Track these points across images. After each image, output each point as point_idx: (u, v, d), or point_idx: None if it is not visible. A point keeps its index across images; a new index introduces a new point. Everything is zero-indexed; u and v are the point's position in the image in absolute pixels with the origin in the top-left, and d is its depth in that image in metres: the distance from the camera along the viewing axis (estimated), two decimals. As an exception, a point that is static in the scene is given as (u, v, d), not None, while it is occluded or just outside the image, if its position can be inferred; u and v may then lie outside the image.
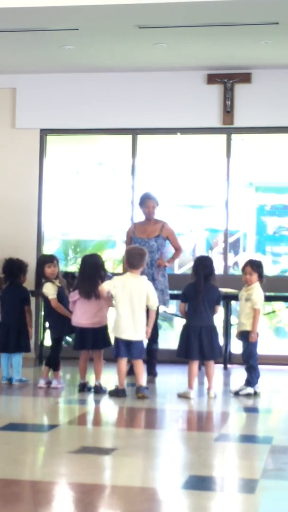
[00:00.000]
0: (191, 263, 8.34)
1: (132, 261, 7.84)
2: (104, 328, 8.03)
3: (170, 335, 10.96)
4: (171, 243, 9.09)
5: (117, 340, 7.80)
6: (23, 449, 5.90)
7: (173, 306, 10.45)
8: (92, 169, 11.14)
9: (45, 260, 8.32)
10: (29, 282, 8.82)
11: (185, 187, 11.03)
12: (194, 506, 4.64)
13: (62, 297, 8.20)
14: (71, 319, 8.03)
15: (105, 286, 7.78)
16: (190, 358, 7.87)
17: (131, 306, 7.74)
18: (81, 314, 7.98)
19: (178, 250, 9.11)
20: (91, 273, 7.99)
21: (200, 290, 7.83)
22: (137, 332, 7.78)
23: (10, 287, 8.59)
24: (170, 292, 9.12)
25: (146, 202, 9.03)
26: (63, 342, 8.52)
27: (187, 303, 7.95)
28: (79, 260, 8.93)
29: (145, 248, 8.22)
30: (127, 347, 7.76)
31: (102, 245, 11.27)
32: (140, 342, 7.87)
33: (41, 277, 8.25)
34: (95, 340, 7.98)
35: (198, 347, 7.81)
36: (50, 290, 8.15)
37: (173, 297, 9.41)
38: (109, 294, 7.80)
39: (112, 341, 7.95)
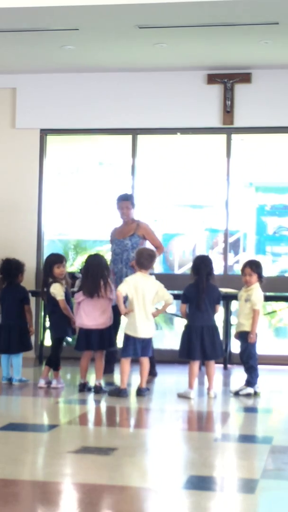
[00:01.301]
0: (191, 263, 8.31)
1: (142, 261, 7.93)
2: (109, 329, 8.04)
3: (170, 335, 10.96)
4: (150, 242, 9.02)
5: (128, 339, 7.80)
6: (23, 449, 5.90)
7: (173, 306, 10.44)
8: (92, 169, 11.13)
9: (55, 261, 8.29)
10: (26, 282, 8.83)
11: (185, 187, 11.03)
12: (194, 506, 4.64)
13: (68, 298, 8.22)
14: (76, 321, 8.05)
15: (122, 290, 7.79)
16: (192, 359, 7.88)
17: (143, 305, 7.79)
18: (86, 316, 7.99)
19: (158, 248, 8.96)
20: (95, 273, 7.98)
21: (203, 289, 7.84)
22: (150, 330, 7.87)
23: (9, 287, 8.59)
24: (170, 292, 9.09)
25: (119, 203, 9.04)
26: (64, 343, 8.52)
27: (188, 303, 7.95)
28: (79, 260, 8.93)
29: (152, 249, 8.24)
30: (139, 346, 7.78)
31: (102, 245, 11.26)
32: (151, 340, 7.96)
33: (48, 277, 8.23)
34: (100, 341, 7.98)
35: (200, 347, 7.81)
36: (59, 290, 8.15)
37: (173, 297, 9.39)
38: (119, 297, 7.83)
39: (119, 340, 7.99)
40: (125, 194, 9.21)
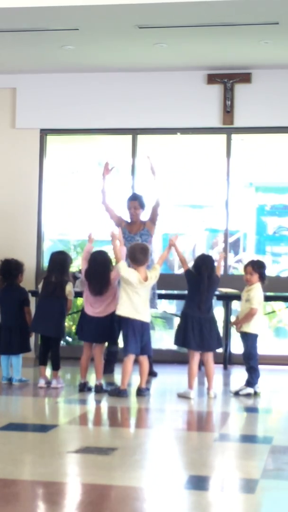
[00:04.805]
0: (191, 263, 8.28)
1: (137, 257, 7.82)
2: (109, 319, 7.96)
3: (169, 335, 10.95)
4: (151, 217, 8.89)
5: (127, 336, 7.77)
6: (23, 449, 5.90)
7: (173, 306, 10.45)
8: (92, 169, 11.12)
9: (71, 261, 8.33)
10: (26, 282, 8.83)
11: (185, 187, 11.02)
12: (194, 506, 4.64)
13: None
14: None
15: (122, 270, 7.69)
16: (187, 347, 7.87)
17: (136, 293, 7.72)
18: (89, 305, 7.98)
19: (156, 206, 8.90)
20: (102, 273, 7.94)
21: (204, 291, 7.81)
22: (143, 313, 7.77)
23: (9, 288, 8.57)
24: (170, 292, 9.09)
25: (129, 203, 8.99)
26: (62, 342, 8.51)
27: (187, 293, 7.90)
28: (79, 261, 8.89)
29: (144, 243, 8.20)
30: (139, 343, 7.75)
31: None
32: (150, 338, 7.90)
33: (64, 275, 8.19)
34: (95, 332, 7.94)
35: (198, 337, 7.76)
36: (72, 291, 8.16)
37: (172, 297, 9.38)
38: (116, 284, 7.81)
39: (119, 335, 7.98)
40: (133, 194, 9.19)
